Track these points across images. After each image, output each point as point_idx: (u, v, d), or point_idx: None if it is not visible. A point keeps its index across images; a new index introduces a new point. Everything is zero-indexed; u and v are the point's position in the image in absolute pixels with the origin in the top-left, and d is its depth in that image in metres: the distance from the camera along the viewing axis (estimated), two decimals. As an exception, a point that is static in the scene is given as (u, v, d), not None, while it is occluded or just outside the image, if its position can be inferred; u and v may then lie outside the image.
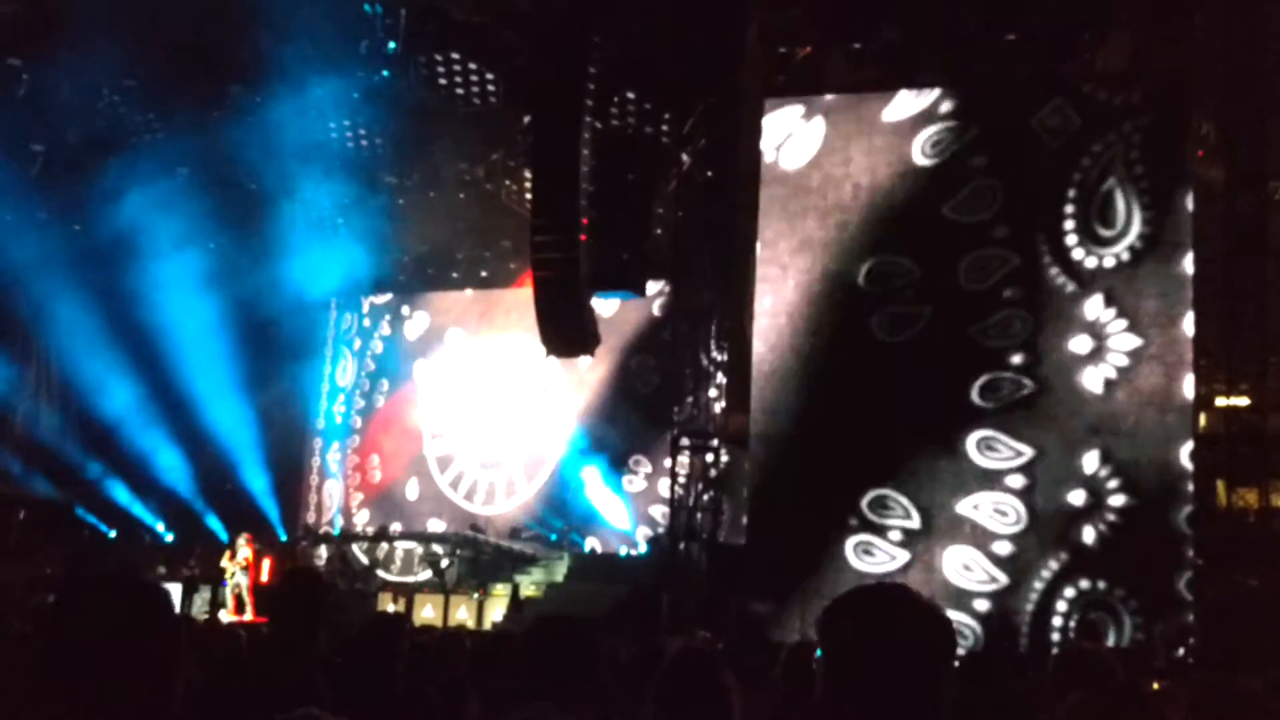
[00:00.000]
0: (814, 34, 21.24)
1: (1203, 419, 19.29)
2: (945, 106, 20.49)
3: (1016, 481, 19.36)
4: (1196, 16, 19.64)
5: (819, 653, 2.83)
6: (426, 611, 22.62)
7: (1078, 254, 19.48)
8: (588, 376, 26.63)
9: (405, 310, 29.57)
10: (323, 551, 27.93)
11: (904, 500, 19.81)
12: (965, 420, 19.68)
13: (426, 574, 25.75)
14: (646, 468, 25.66)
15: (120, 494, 27.61)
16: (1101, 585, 18.71)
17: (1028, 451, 19.37)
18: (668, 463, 22.72)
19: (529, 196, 21.97)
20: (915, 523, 19.73)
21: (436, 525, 27.46)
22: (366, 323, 30.02)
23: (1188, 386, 18.85)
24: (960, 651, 4.12)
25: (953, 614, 17.17)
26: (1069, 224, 19.57)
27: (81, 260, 25.61)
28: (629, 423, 25.99)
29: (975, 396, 19.68)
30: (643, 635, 11.66)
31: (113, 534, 27.74)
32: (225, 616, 21.93)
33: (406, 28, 22.96)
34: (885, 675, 2.67)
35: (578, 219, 19.42)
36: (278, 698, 3.98)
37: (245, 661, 6.47)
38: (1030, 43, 20.15)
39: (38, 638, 2.78)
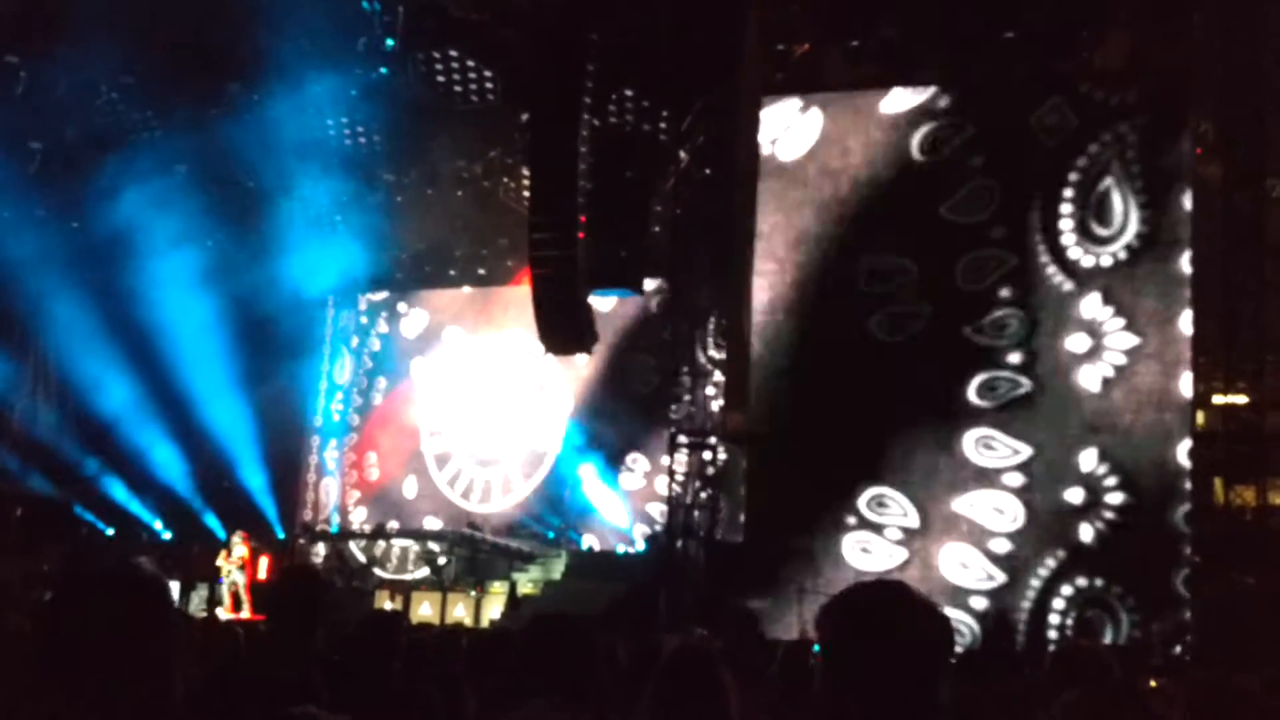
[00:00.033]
0: (812, 31, 21.24)
1: (1200, 417, 19.30)
2: (942, 104, 20.51)
3: (1014, 480, 19.38)
4: (1195, 15, 19.64)
5: (817, 650, 2.83)
6: (424, 609, 22.60)
7: (1075, 253, 19.50)
8: (585, 374, 26.62)
9: (403, 308, 29.55)
10: (320, 549, 27.90)
11: (901, 498, 19.82)
12: (963, 419, 19.70)
13: (423, 571, 25.74)
14: (644, 465, 25.64)
15: (118, 491, 27.59)
16: (1099, 583, 18.74)
17: (1025, 450, 19.39)
18: (665, 460, 22.72)
19: (527, 194, 21.94)
20: (913, 521, 19.74)
21: (433, 523, 27.45)
22: (364, 320, 29.99)
23: (1185, 385, 18.86)
24: (958, 649, 4.13)
25: (950, 612, 17.17)
26: (1067, 223, 19.59)
27: (79, 257, 25.59)
28: (626, 420, 25.96)
29: (973, 395, 19.70)
30: (640, 633, 11.65)
31: (110, 531, 27.71)
32: (222, 614, 21.93)
33: (404, 25, 22.92)
34: (883, 673, 2.68)
35: (576, 217, 19.41)
36: (276, 695, 3.99)
37: (243, 659, 6.47)
38: (1028, 41, 20.15)
39: (36, 634, 2.78)
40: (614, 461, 26.00)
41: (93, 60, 22.21)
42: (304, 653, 5.04)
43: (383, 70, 23.76)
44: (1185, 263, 19.03)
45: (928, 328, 20.06)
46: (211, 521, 27.14)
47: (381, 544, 27.14)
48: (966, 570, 19.35)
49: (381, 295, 29.75)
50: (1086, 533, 18.91)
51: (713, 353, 22.90)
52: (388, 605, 21.83)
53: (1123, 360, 19.10)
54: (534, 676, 4.54)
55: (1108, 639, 17.95)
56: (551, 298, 19.93)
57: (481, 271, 28.52)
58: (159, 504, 27.86)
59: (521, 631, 4.93)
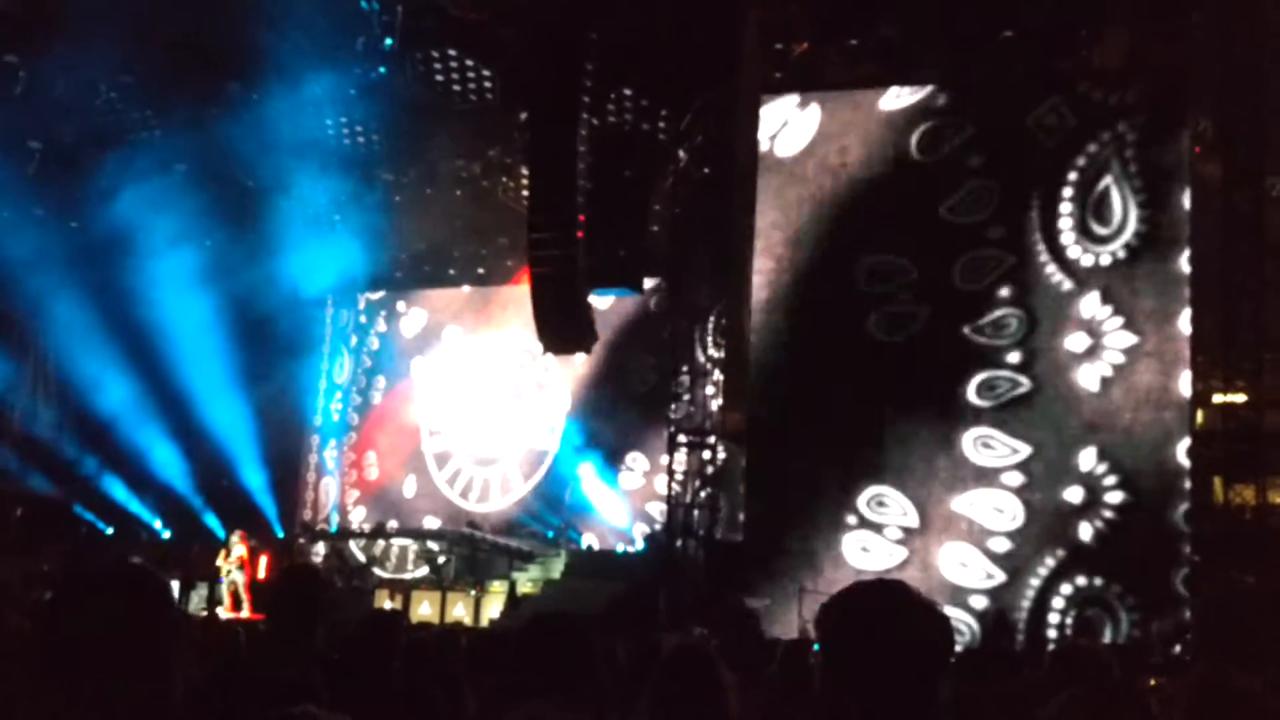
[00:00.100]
0: (811, 30, 21.24)
1: (1199, 416, 19.30)
2: (941, 103, 20.50)
3: (1013, 479, 19.38)
4: (1193, 13, 19.63)
5: (817, 649, 2.83)
6: (423, 608, 22.60)
7: (1074, 252, 19.49)
8: (584, 373, 26.62)
9: (402, 307, 29.55)
10: (320, 548, 27.92)
11: (901, 497, 19.82)
12: (962, 418, 19.70)
13: (423, 571, 25.75)
14: (643, 465, 25.65)
15: (117, 491, 27.60)
16: (1098, 582, 18.73)
17: (1024, 449, 19.39)
18: (664, 459, 22.73)
19: (526, 193, 21.95)
20: (912, 520, 19.75)
21: (433, 522, 27.46)
22: (363, 319, 29.99)
23: (1184, 383, 18.86)
24: (957, 648, 4.13)
25: (950, 611, 17.15)
26: (1066, 222, 19.58)
27: (78, 257, 25.61)
28: (625, 419, 25.98)
29: (972, 395, 19.70)
30: (640, 632, 11.65)
31: (110, 531, 27.71)
32: (222, 614, 21.94)
33: (403, 24, 22.94)
34: (883, 672, 2.68)
35: (575, 216, 19.42)
36: (276, 695, 3.99)
37: (243, 658, 6.47)
38: (1027, 40, 20.15)
39: (35, 634, 2.78)
40: (613, 460, 26.01)
41: (92, 60, 22.21)
42: (304, 652, 5.04)
43: (381, 69, 23.78)
44: (1184, 261, 19.02)
45: (927, 327, 20.06)
46: (211, 521, 27.14)
47: (381, 543, 27.15)
48: (966, 569, 19.35)
49: (380, 294, 29.75)
50: (1086, 532, 18.91)
51: (712, 351, 22.90)
52: (387, 604, 21.84)
53: (1122, 359, 19.10)
54: (533, 675, 4.54)
55: (1107, 638, 17.95)
56: (551, 297, 19.94)
57: (481, 271, 28.52)
58: (158, 503, 27.87)
59: (520, 630, 4.93)
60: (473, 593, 23.17)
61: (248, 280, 26.09)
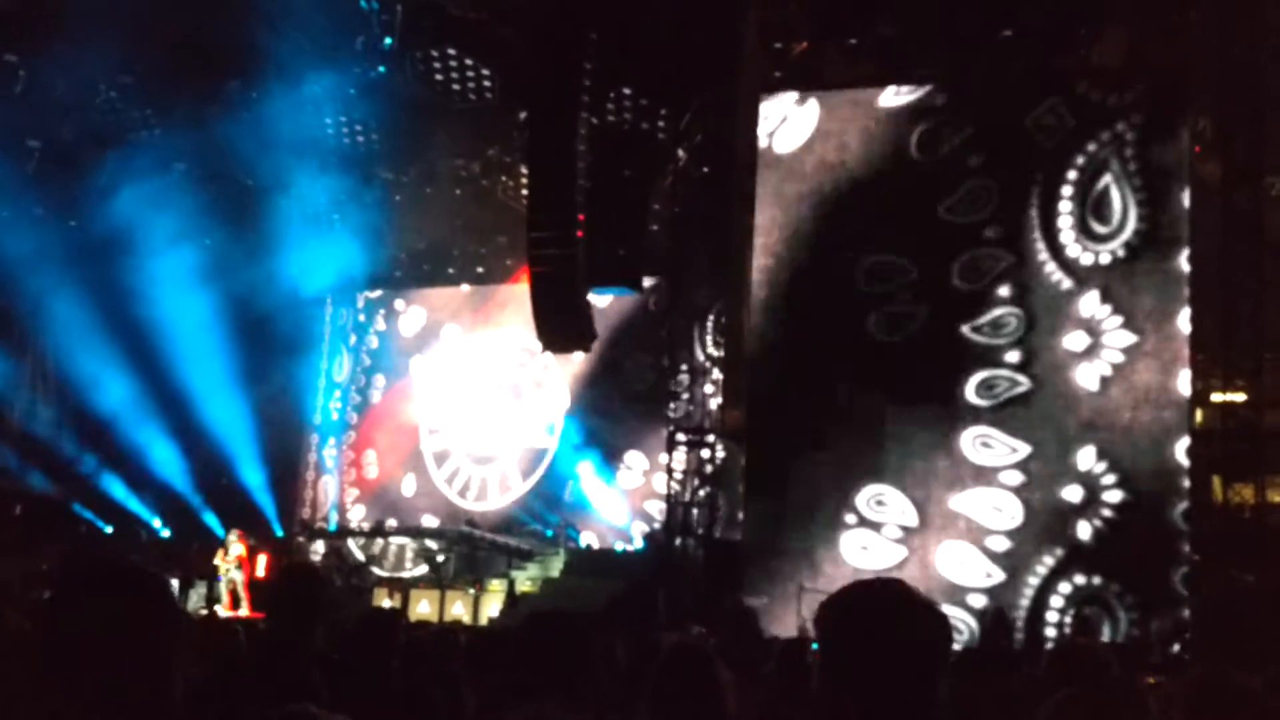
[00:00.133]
0: (810, 29, 21.24)
1: (1198, 415, 19.30)
2: (940, 102, 20.50)
3: (1012, 478, 19.38)
4: (1192, 11, 19.64)
5: (816, 648, 2.84)
6: (422, 607, 22.61)
7: (1074, 251, 19.49)
8: (583, 372, 26.63)
9: (400, 305, 29.55)
10: (318, 547, 27.94)
11: (900, 496, 19.83)
12: (961, 417, 19.71)
13: (421, 569, 25.77)
14: (642, 463, 25.66)
15: (116, 489, 27.61)
16: (1097, 581, 18.74)
17: (1023, 448, 19.39)
18: (663, 458, 22.73)
19: (525, 192, 21.96)
20: (911, 519, 19.75)
21: (431, 521, 27.47)
22: (362, 318, 29.99)
23: (1183, 382, 18.86)
24: (956, 647, 4.13)
25: (948, 610, 17.13)
26: (1065, 220, 19.58)
27: (78, 256, 25.61)
28: (624, 418, 26.00)
29: (971, 394, 19.70)
30: (639, 631, 11.66)
31: (109, 529, 27.73)
32: (221, 612, 21.94)
33: (403, 23, 22.94)
34: (881, 671, 2.68)
35: (574, 215, 19.41)
36: (275, 694, 3.99)
37: (243, 657, 6.48)
38: (1026, 39, 20.15)
39: (35, 633, 2.78)
40: (611, 459, 26.02)
41: (91, 59, 22.21)
42: (303, 651, 5.04)
43: (381, 68, 23.78)
44: (1184, 260, 19.01)
45: (926, 326, 20.06)
46: (210, 519, 27.15)
47: (379, 541, 27.17)
48: (965, 568, 19.35)
49: (379, 293, 29.75)
50: (1084, 530, 18.91)
51: (711, 350, 22.90)
52: (386, 603, 21.85)
53: (1121, 358, 19.10)
54: (532, 674, 4.54)
55: (1106, 637, 17.95)
56: (550, 296, 19.93)
57: (480, 269, 28.53)
58: (158, 502, 27.88)
59: (519, 629, 4.93)
60: (471, 591, 23.17)
61: (247, 279, 26.10)
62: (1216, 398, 19.40)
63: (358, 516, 28.87)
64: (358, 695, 5.05)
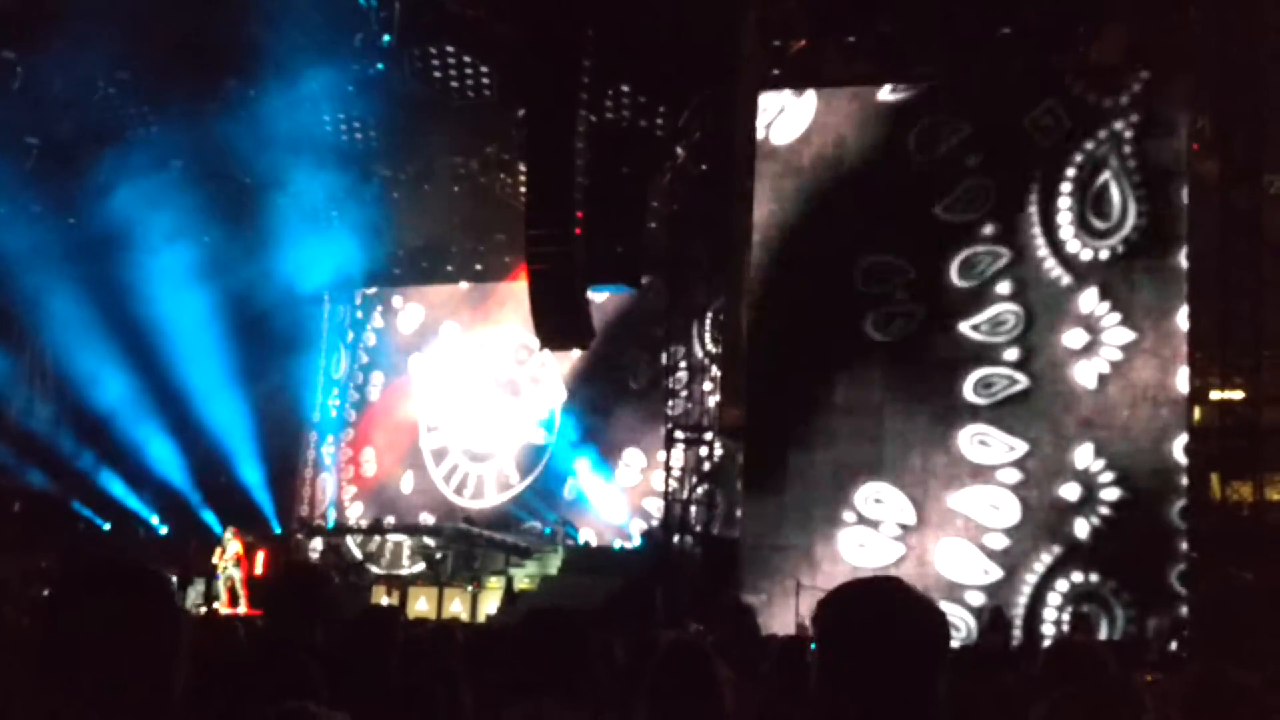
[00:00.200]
0: (809, 27, 21.23)
1: (1197, 412, 19.31)
2: (939, 100, 20.48)
3: (1010, 476, 19.38)
4: (1191, 9, 19.64)
5: (814, 646, 2.84)
6: (420, 604, 22.63)
7: (1073, 246, 19.49)
8: (581, 369, 26.63)
9: (399, 303, 29.55)
10: (317, 544, 27.95)
11: (898, 494, 19.83)
12: (958, 416, 19.71)
13: (419, 566, 25.78)
14: (640, 461, 25.67)
15: (115, 487, 27.61)
16: (1094, 578, 18.75)
17: (1021, 446, 19.39)
18: (662, 456, 22.74)
19: (524, 190, 21.95)
20: (909, 517, 19.75)
21: (428, 518, 27.48)
22: (359, 315, 29.99)
23: (1182, 380, 18.87)
24: (954, 644, 4.14)
25: (946, 607, 17.14)
26: (1065, 216, 19.58)
27: (75, 253, 25.60)
28: (622, 415, 26.01)
29: (969, 392, 19.70)
30: (637, 628, 11.66)
31: (107, 526, 27.73)
32: (219, 609, 21.94)
33: (401, 20, 22.92)
34: (879, 668, 2.68)
35: (573, 212, 19.42)
36: (274, 691, 3.99)
37: (243, 655, 6.47)
38: (1024, 37, 20.14)
39: (34, 631, 2.77)
40: (609, 456, 26.03)
41: (89, 56, 22.20)
42: (303, 648, 5.04)
43: (379, 66, 23.76)
44: (1183, 258, 19.02)
45: (924, 325, 20.06)
46: (208, 516, 27.16)
47: (376, 539, 27.18)
48: (962, 566, 19.36)
49: (377, 290, 29.75)
50: (1082, 528, 18.92)
51: (710, 347, 22.90)
52: (384, 600, 21.86)
53: (1119, 356, 19.10)
54: (530, 672, 4.55)
55: (1103, 634, 17.96)
56: (549, 293, 19.94)
57: (478, 267, 28.53)
58: (156, 499, 27.89)
59: (517, 627, 4.93)
60: (470, 588, 23.19)
61: (245, 276, 26.10)
62: (1215, 395, 19.42)
63: (356, 514, 28.88)
64: (357, 692, 5.05)
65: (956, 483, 19.60)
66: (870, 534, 19.88)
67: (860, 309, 20.34)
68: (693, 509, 22.00)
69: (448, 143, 26.01)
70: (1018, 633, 18.59)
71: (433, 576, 24.53)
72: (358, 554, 27.22)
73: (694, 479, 22.10)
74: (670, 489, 22.13)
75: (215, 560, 23.26)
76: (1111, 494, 18.85)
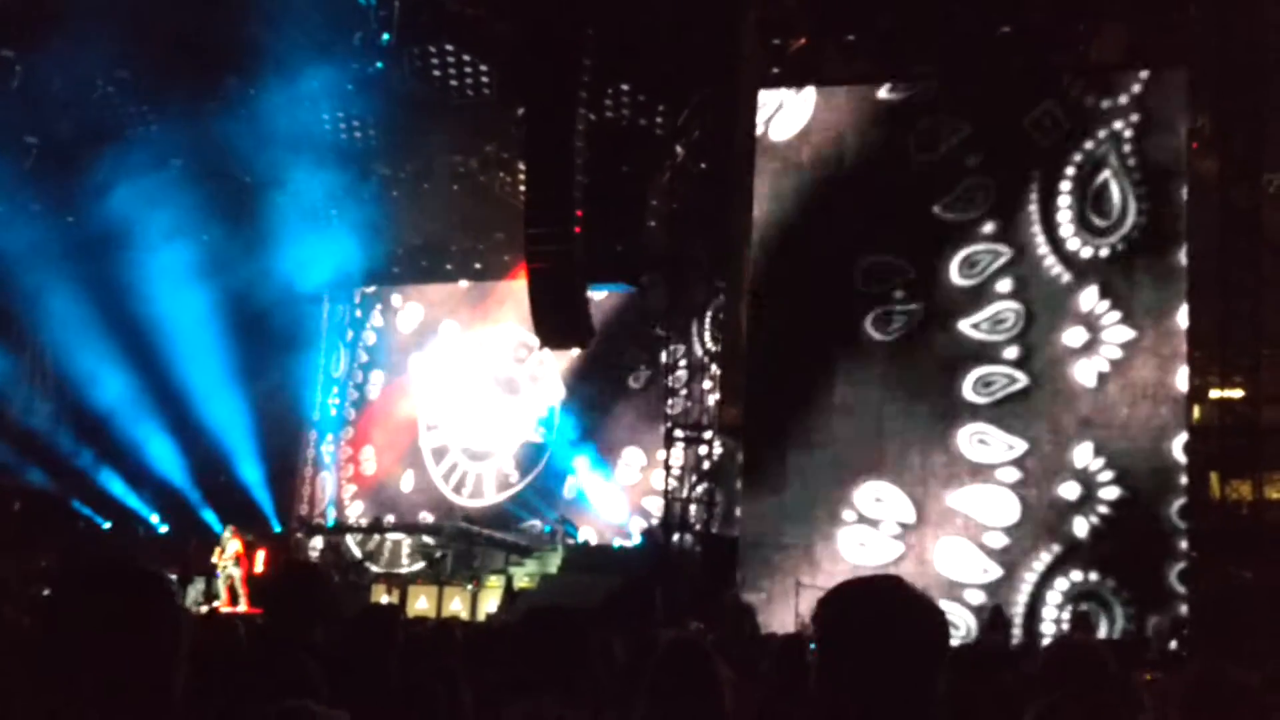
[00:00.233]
0: (809, 25, 21.22)
1: (1196, 411, 19.31)
2: (939, 99, 20.48)
3: (1009, 475, 19.38)
4: (1191, 8, 19.65)
5: (813, 645, 2.84)
6: (420, 603, 22.62)
7: (1073, 244, 19.49)
8: (580, 368, 26.61)
9: (397, 301, 29.53)
10: (316, 543, 27.95)
11: (898, 493, 19.83)
12: (958, 414, 19.71)
13: (418, 565, 25.78)
14: (640, 460, 25.66)
15: (115, 485, 27.60)
16: (1094, 577, 18.75)
17: (1020, 445, 19.40)
18: (661, 454, 22.73)
19: (523, 188, 21.95)
20: (909, 516, 19.75)
21: (428, 517, 27.47)
22: (358, 314, 29.98)
23: (1181, 379, 18.87)
24: (953, 643, 4.14)
25: (946, 606, 17.15)
26: (1065, 214, 19.58)
27: (75, 251, 25.58)
28: (622, 414, 26.00)
29: (968, 391, 19.70)
30: (637, 627, 11.67)
31: (107, 525, 27.72)
32: (220, 608, 21.93)
33: (400, 19, 22.92)
34: (879, 667, 2.68)
35: (572, 211, 19.42)
36: (274, 689, 3.99)
37: (243, 653, 6.47)
38: (1024, 36, 20.14)
39: (34, 631, 2.77)
40: (608, 454, 26.02)
41: (88, 55, 22.19)
42: (302, 647, 5.04)
43: (378, 64, 23.75)
44: (1182, 256, 19.03)
45: (924, 323, 20.06)
46: (208, 515, 27.14)
47: (376, 538, 27.17)
48: (962, 565, 19.36)
49: (376, 289, 29.73)
50: (1081, 527, 18.92)
51: (710, 346, 22.90)
52: (384, 599, 21.86)
53: (1119, 354, 19.11)
54: (530, 670, 4.55)
55: (1103, 633, 17.96)
56: (548, 292, 19.95)
57: (478, 266, 28.50)
58: (156, 497, 27.86)
59: (517, 625, 4.93)
60: (469, 587, 23.18)
61: (244, 275, 26.07)
62: (1214, 394, 19.42)
63: (356, 512, 28.86)
64: (357, 691, 5.05)
65: (956, 481, 19.60)
66: (870, 533, 19.88)
67: (860, 308, 20.34)
68: (692, 508, 22.00)
69: (447, 141, 25.99)
70: (1017, 631, 18.60)
71: (432, 575, 24.51)
72: (357, 553, 27.21)
73: (694, 478, 22.11)
74: (670, 488, 22.13)
75: (215, 559, 23.25)
76: (1111, 493, 18.85)
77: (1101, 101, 19.61)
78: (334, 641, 5.67)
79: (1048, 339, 19.47)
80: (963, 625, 18.75)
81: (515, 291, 24.17)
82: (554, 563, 23.52)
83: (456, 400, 28.13)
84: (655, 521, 23.62)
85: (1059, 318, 19.44)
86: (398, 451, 28.67)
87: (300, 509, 29.22)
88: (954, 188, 20.05)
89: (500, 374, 27.77)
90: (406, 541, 26.68)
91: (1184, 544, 18.49)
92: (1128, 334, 19.09)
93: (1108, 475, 18.89)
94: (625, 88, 22.99)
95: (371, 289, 29.71)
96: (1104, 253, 19.38)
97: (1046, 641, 16.40)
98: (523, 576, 23.34)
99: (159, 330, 25.77)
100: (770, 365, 20.81)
